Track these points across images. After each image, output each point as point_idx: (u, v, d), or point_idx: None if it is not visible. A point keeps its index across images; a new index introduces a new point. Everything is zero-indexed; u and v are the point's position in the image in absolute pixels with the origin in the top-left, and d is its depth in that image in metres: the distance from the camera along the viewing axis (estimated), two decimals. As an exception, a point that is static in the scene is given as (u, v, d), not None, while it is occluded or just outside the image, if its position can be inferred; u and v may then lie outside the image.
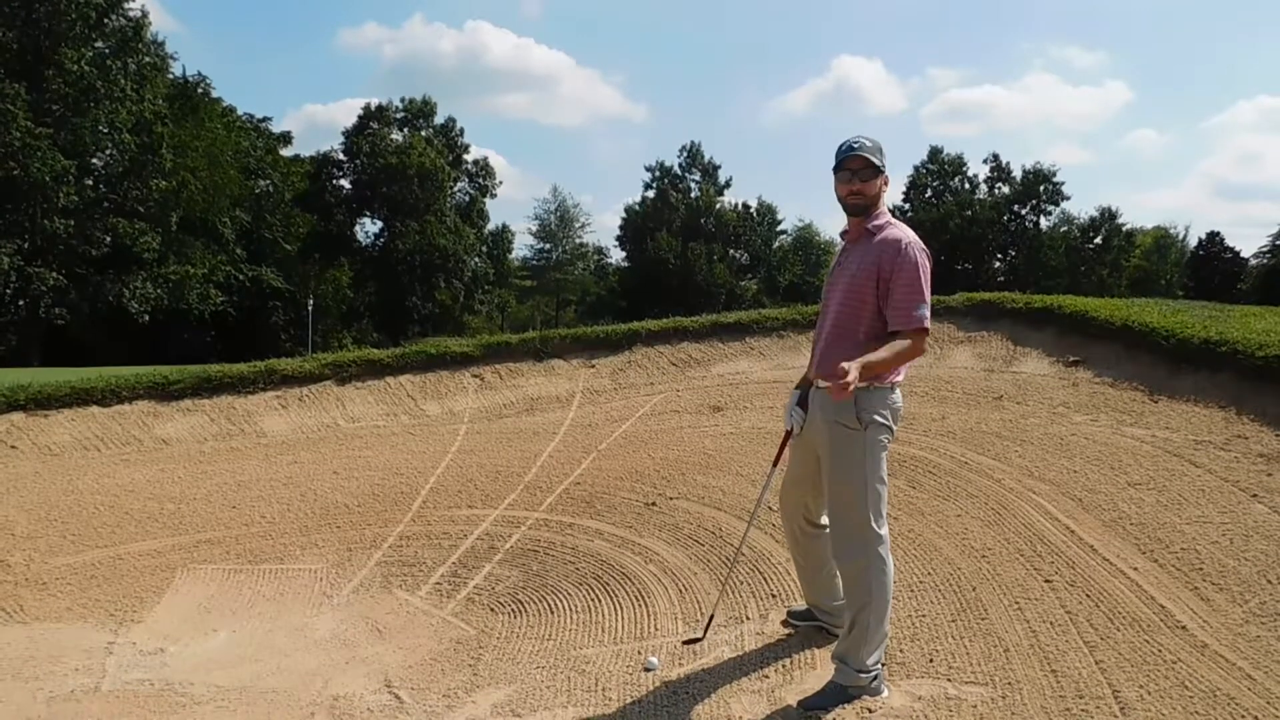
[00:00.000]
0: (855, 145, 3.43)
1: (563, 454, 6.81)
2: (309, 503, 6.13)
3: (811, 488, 3.62)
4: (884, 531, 3.40)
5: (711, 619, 4.05)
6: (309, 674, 4.01)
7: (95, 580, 5.08)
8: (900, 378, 3.48)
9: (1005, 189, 60.10)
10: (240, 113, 51.91)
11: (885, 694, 3.39)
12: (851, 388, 3.12)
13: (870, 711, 3.29)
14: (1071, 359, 7.86)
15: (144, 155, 39.86)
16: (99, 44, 39.23)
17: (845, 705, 3.32)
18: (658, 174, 59.80)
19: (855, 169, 3.43)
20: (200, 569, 5.23)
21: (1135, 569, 4.21)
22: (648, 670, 3.79)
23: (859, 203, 3.48)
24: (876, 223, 3.46)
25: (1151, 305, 9.13)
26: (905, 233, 3.42)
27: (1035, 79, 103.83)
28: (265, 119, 53.67)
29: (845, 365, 3.13)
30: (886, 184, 3.50)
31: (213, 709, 3.74)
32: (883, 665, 3.47)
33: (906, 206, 61.29)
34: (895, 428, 3.51)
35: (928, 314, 3.33)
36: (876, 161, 3.44)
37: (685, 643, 3.94)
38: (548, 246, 64.42)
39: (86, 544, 5.52)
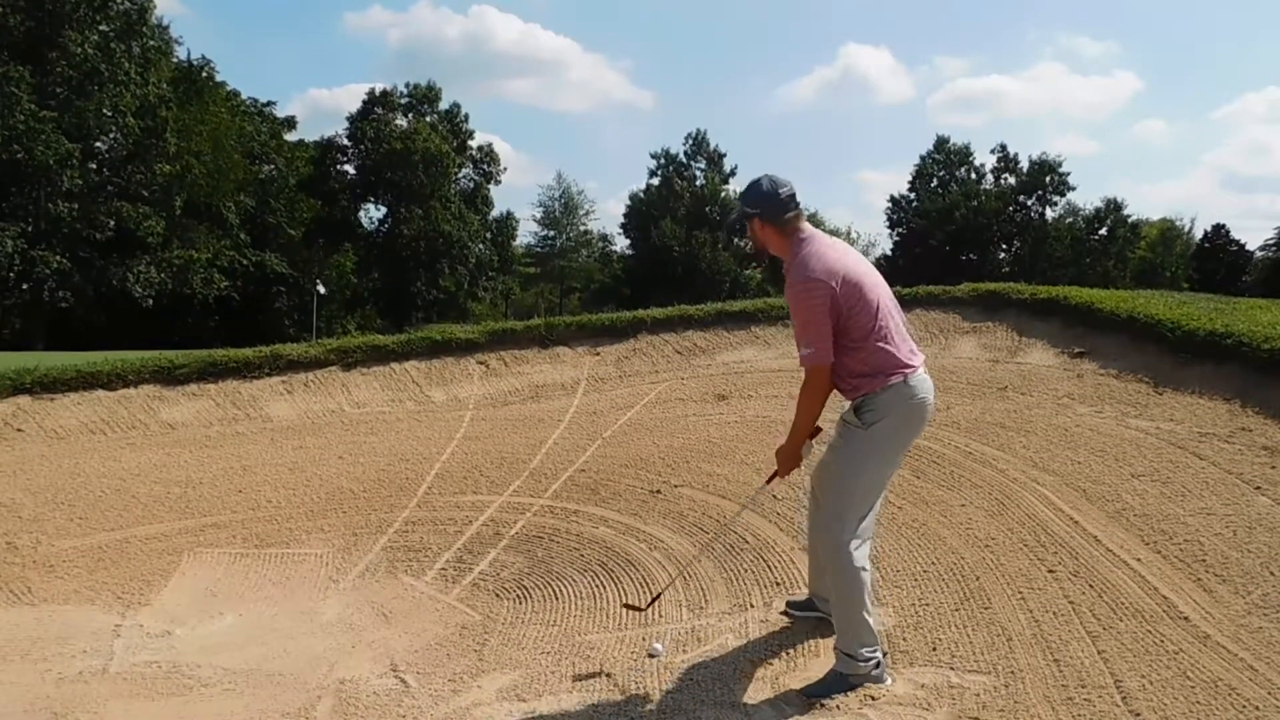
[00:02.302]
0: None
1: (567, 441, 6.83)
2: (314, 488, 6.15)
3: None
4: (854, 531, 3.40)
5: (659, 595, 4.12)
6: (315, 657, 4.04)
7: (102, 563, 5.11)
8: (910, 372, 3.45)
9: (1011, 179, 59.93)
10: (244, 97, 51.88)
11: (888, 682, 3.41)
12: (802, 456, 3.57)
13: (874, 699, 3.31)
14: (1076, 350, 7.86)
15: (148, 139, 39.86)
16: (103, 27, 39.19)
17: (848, 693, 3.34)
18: (663, 161, 59.65)
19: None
20: (206, 553, 5.26)
21: (1138, 560, 4.22)
22: (652, 656, 3.81)
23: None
24: (785, 267, 3.53)
25: (1157, 297, 9.13)
26: (797, 270, 3.41)
27: (1044, 68, 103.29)
28: (269, 103, 53.68)
29: (780, 467, 3.61)
30: (759, 228, 3.53)
31: (219, 691, 3.76)
32: (885, 654, 3.48)
33: (912, 196, 61.19)
34: (924, 416, 3.54)
35: (810, 351, 3.37)
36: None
37: (624, 606, 4.07)
38: (552, 233, 64.41)
39: (93, 527, 5.55)
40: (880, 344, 3.40)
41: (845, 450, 3.46)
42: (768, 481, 3.90)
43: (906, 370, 3.43)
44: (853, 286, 3.35)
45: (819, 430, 3.62)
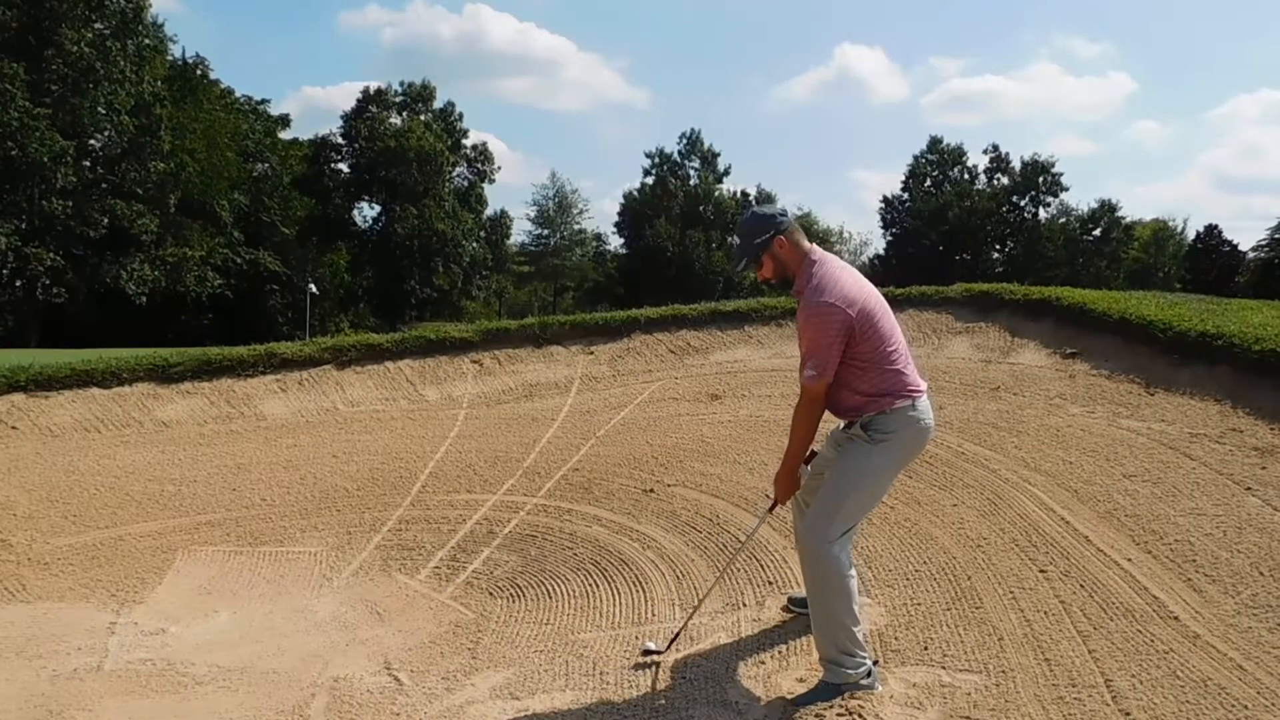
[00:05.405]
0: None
1: (561, 440, 6.84)
2: (309, 486, 6.16)
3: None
4: (838, 538, 3.38)
5: (678, 635, 3.92)
6: (309, 655, 4.05)
7: (97, 561, 5.11)
8: (918, 397, 3.47)
9: (1004, 180, 60.07)
10: (239, 95, 51.83)
11: (879, 690, 3.37)
12: (800, 479, 3.59)
13: (863, 703, 3.31)
14: (1069, 351, 7.89)
15: (142, 137, 39.82)
16: (99, 25, 39.13)
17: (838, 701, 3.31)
18: (657, 160, 59.69)
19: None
20: (201, 550, 5.26)
21: (1129, 560, 4.25)
22: (645, 655, 3.82)
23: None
24: (797, 287, 3.51)
25: (1149, 298, 9.16)
26: (813, 293, 3.39)
27: (1039, 69, 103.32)
28: (264, 101, 53.68)
29: (778, 493, 3.63)
30: (782, 245, 3.48)
31: (214, 689, 3.77)
32: (875, 663, 3.48)
33: (905, 196, 61.30)
34: (925, 440, 3.57)
35: (814, 374, 3.36)
36: (747, 256, 3.53)
37: (643, 653, 3.84)
38: (546, 232, 64.36)
39: (88, 525, 5.55)
40: (890, 368, 3.43)
41: (848, 462, 3.45)
42: (770, 510, 3.91)
43: (915, 394, 3.47)
44: (867, 315, 3.39)
45: (814, 454, 3.65)
